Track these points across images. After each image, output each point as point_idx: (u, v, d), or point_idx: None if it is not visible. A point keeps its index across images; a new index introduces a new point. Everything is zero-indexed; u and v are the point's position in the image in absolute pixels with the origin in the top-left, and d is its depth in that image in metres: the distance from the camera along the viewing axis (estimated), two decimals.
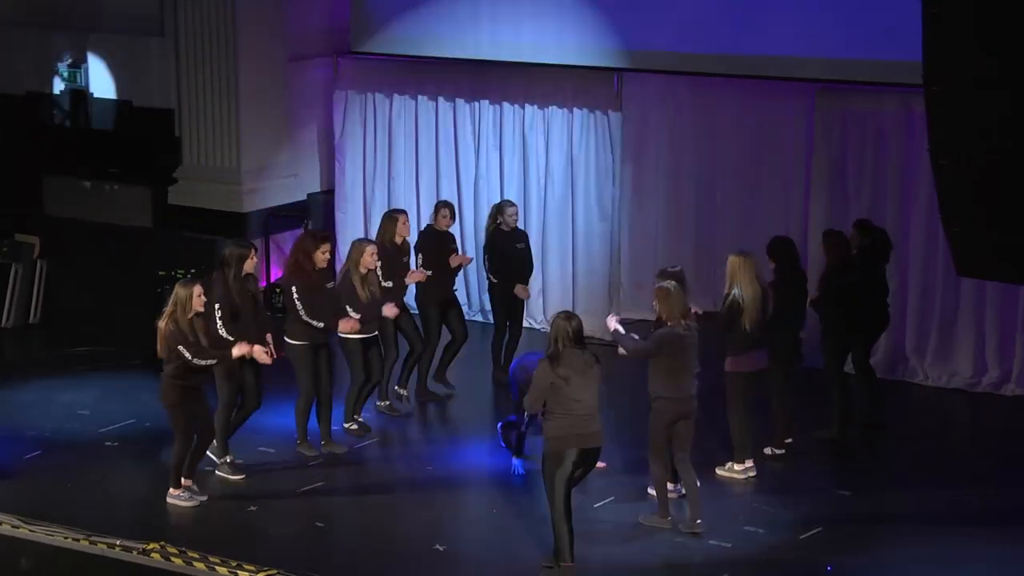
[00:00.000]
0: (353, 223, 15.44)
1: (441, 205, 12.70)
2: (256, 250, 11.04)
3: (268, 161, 14.96)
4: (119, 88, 15.33)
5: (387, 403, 12.30)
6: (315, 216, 15.16)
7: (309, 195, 15.43)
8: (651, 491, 10.33)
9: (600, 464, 10.02)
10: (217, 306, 10.59)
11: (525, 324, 14.02)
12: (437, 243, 12.51)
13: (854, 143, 13.27)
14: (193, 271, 13.64)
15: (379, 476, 11.18)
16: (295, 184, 15.25)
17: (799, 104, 13.57)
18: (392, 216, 12.20)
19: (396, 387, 12.51)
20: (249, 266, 10.85)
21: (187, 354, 10.09)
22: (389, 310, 11.60)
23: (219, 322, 10.57)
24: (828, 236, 11.67)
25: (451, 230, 12.77)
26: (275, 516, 10.47)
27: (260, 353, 10.44)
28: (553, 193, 14.68)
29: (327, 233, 11.83)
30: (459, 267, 12.73)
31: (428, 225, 12.73)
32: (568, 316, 9.24)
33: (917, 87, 7.84)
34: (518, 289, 12.90)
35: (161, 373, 10.33)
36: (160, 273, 13.89)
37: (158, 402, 10.52)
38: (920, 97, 7.68)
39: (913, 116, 12.72)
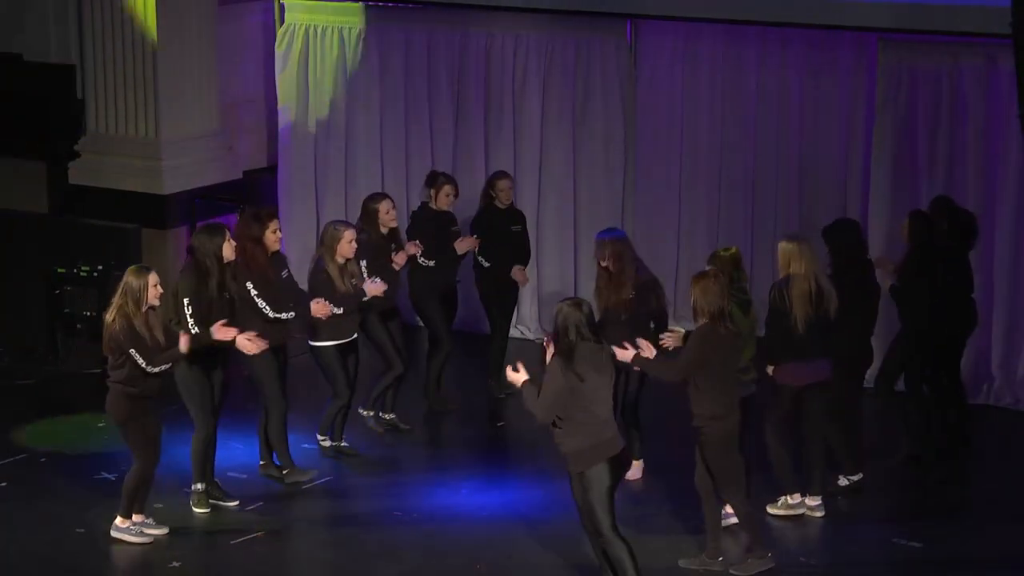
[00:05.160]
0: (301, 208, 15.48)
1: (444, 180, 12.77)
2: (229, 231, 11.11)
3: (194, 130, 14.96)
4: (5, 38, 15.32)
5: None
6: (254, 199, 15.14)
7: (246, 173, 15.46)
8: (682, 563, 10.42)
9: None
10: (187, 301, 10.72)
11: (515, 333, 14.08)
12: (436, 226, 12.65)
13: (925, 107, 13.32)
14: (101, 268, 13.66)
15: (333, 523, 11.20)
16: (229, 159, 15.27)
17: (857, 58, 13.62)
18: (371, 206, 12.31)
19: (382, 414, 12.63)
20: (228, 251, 10.93)
21: (140, 360, 10.26)
22: (374, 288, 11.77)
23: (190, 320, 10.69)
24: (914, 217, 11.79)
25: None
26: (203, 574, 10.47)
27: (244, 342, 10.65)
28: (550, 171, 14.73)
29: (272, 208, 11.90)
30: (464, 254, 12.86)
31: (423, 203, 12.82)
32: (576, 303, 9.42)
33: (1004, 37, 7.93)
34: (515, 272, 13.10)
35: (107, 380, 10.43)
36: (59, 270, 13.89)
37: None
38: (1007, 50, 7.75)
39: (998, 73, 12.77)
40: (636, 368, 10.22)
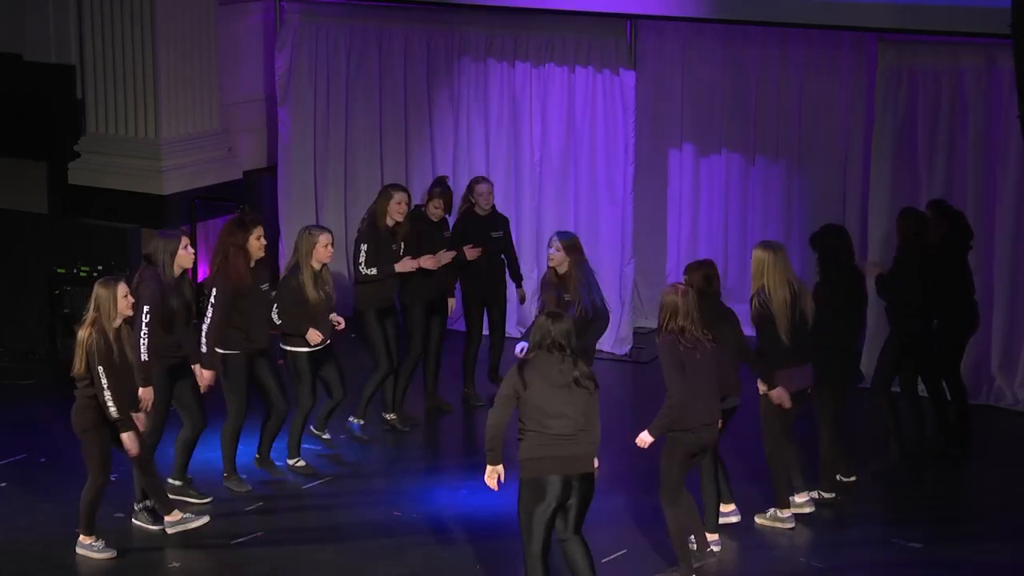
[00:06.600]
0: (300, 208, 15.49)
1: (436, 194, 12.68)
2: (188, 237, 11.02)
3: (194, 130, 14.98)
4: (5, 38, 15.33)
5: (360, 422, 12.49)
6: (254, 200, 15.19)
7: (246, 173, 15.47)
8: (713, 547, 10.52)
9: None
10: (147, 308, 10.60)
11: (516, 333, 14.05)
12: (426, 232, 12.61)
13: (925, 107, 13.33)
14: (100, 268, 13.67)
15: (333, 524, 11.19)
16: (229, 159, 15.28)
17: (857, 58, 13.64)
18: (387, 192, 12.32)
19: (384, 414, 12.68)
20: (184, 259, 10.84)
21: (103, 381, 10.06)
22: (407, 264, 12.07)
23: (144, 329, 10.57)
24: (904, 215, 11.78)
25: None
26: (203, 574, 10.50)
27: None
28: (550, 171, 14.74)
29: (257, 215, 11.85)
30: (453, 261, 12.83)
31: (417, 206, 12.80)
32: (554, 317, 9.32)
33: (1004, 37, 7.92)
34: (518, 292, 13.24)
35: (75, 392, 10.30)
36: (59, 270, 13.90)
37: (64, 430, 10.47)
38: (1007, 50, 7.76)
39: (998, 73, 12.79)
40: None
